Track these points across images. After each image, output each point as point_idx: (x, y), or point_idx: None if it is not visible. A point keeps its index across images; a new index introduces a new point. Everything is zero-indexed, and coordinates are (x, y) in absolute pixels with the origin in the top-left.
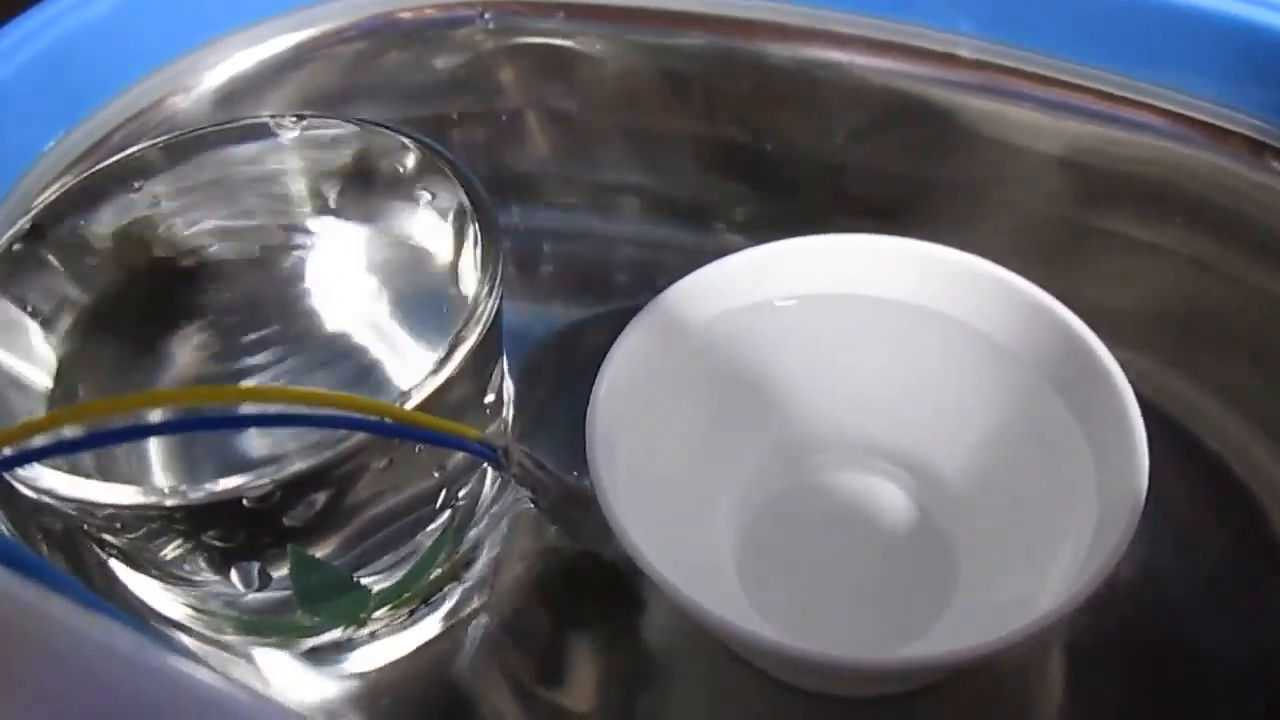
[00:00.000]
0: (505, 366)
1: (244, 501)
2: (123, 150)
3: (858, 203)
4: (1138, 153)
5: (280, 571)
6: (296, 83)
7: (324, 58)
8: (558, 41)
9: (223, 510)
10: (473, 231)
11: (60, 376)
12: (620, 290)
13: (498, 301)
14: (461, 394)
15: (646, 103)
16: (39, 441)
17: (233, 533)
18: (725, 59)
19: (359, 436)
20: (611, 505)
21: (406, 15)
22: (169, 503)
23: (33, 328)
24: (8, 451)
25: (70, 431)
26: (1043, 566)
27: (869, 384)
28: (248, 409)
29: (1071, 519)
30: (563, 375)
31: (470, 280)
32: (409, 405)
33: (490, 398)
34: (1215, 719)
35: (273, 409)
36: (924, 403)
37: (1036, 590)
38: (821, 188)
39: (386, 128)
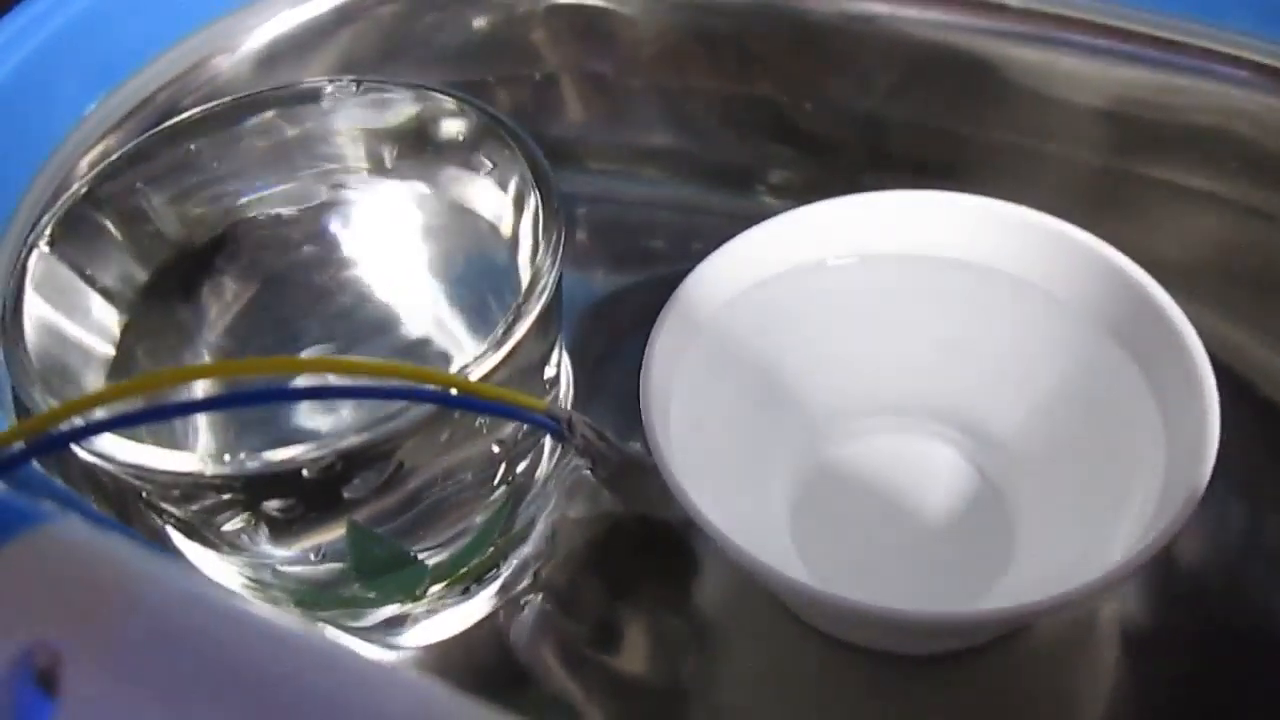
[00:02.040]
0: (562, 340)
1: (303, 473)
2: (166, 111)
3: (902, 160)
4: (1191, 100)
5: (338, 544)
6: (337, 45)
7: (364, 20)
8: (594, 1)
9: (281, 481)
10: (534, 202)
11: (120, 342)
12: (662, 256)
13: (559, 274)
14: (523, 367)
15: (683, 63)
16: (105, 412)
17: (291, 504)
18: (762, 15)
19: (423, 409)
20: (669, 466)
21: None
22: (227, 471)
23: (90, 293)
24: (78, 421)
25: (133, 403)
26: (1107, 528)
27: (926, 344)
28: (313, 380)
29: (1137, 478)
30: (608, 341)
31: (531, 252)
32: (472, 377)
33: (551, 372)
34: (1270, 687)
35: (339, 381)
36: (983, 362)
37: (1100, 553)
38: (864, 146)
39: (445, 93)
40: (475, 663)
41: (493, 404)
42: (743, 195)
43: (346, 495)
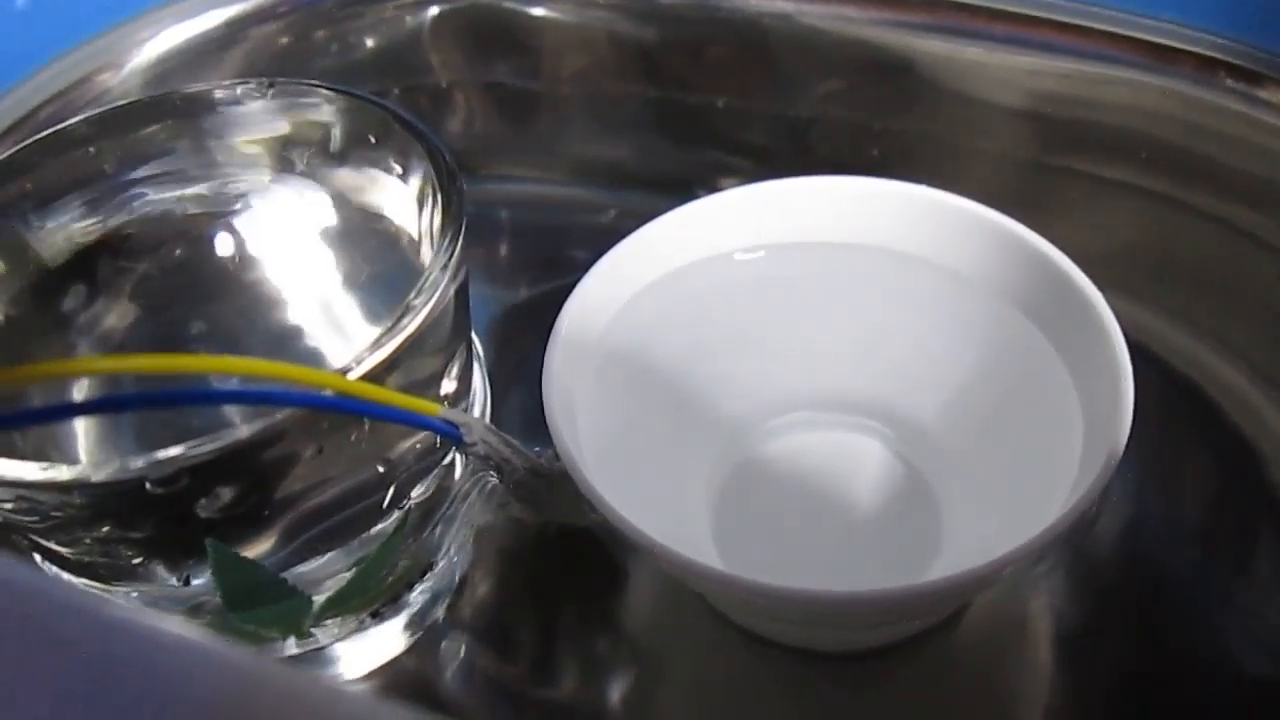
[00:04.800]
0: (480, 355)
1: (147, 486)
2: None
3: (832, 159)
4: (1096, 89)
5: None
6: (231, 61)
7: (255, 35)
8: (499, 4)
9: (128, 496)
10: (435, 199)
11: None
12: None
13: (457, 275)
14: (414, 375)
15: (589, 65)
16: None
17: (141, 521)
18: (678, 18)
19: (278, 417)
20: (577, 465)
21: None
22: (64, 478)
23: None
24: None
25: None
26: (1031, 505)
27: (839, 334)
28: (160, 388)
29: (1056, 454)
30: (532, 351)
31: (428, 251)
32: (352, 377)
33: (451, 386)
34: (1204, 671)
35: (184, 389)
36: (899, 348)
37: (1025, 530)
38: (794, 146)
39: (352, 94)
40: (398, 700)
41: (376, 406)
42: (677, 198)
43: (203, 514)
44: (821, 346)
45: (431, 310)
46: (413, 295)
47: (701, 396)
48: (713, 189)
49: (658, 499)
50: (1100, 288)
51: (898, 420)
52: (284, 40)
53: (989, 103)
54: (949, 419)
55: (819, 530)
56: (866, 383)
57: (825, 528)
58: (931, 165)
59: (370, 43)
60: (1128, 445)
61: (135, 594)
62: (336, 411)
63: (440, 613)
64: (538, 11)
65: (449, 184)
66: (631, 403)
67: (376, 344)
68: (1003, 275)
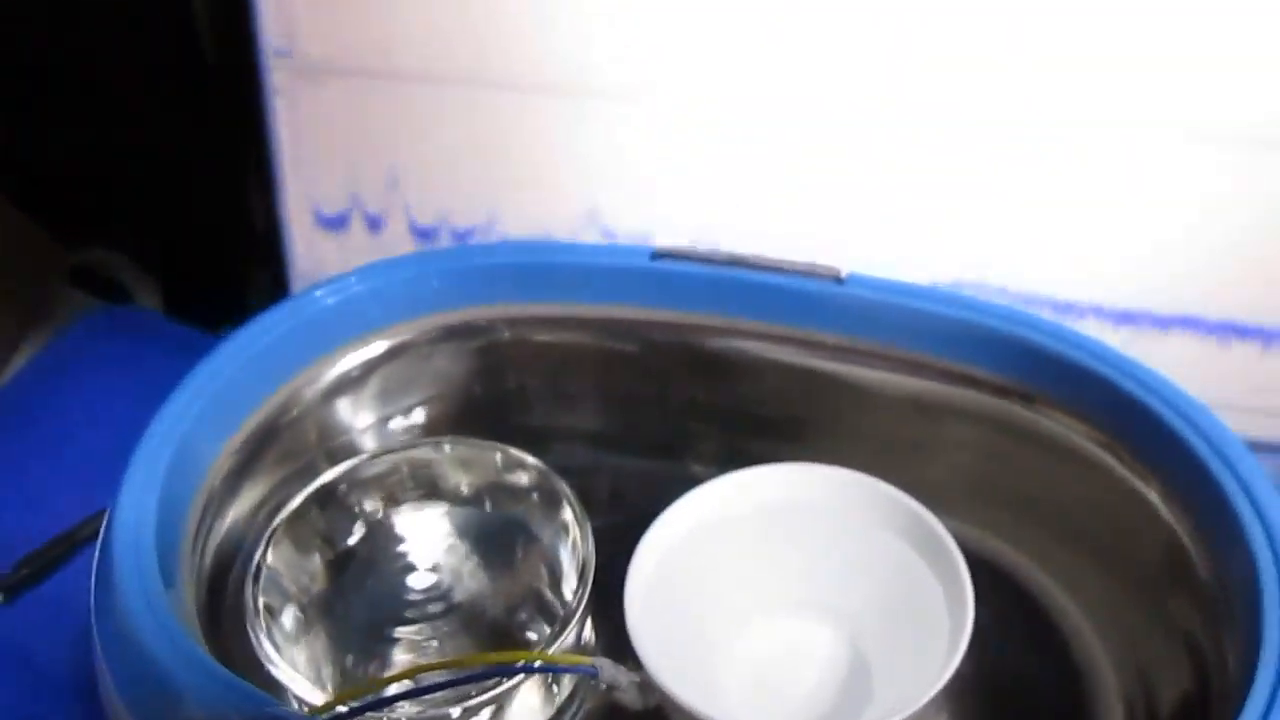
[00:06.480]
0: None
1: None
2: (266, 433)
3: (773, 432)
4: (945, 395)
5: None
6: (381, 373)
7: (401, 355)
8: (551, 339)
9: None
10: (573, 528)
11: (302, 616)
12: (605, 510)
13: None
14: (570, 641)
15: (619, 375)
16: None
17: None
18: (669, 345)
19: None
20: (661, 680)
21: (455, 324)
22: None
23: (284, 588)
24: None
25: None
26: (922, 666)
27: (806, 561)
28: (463, 672)
29: (934, 635)
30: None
31: (572, 574)
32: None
33: (588, 633)
34: None
35: (469, 670)
36: (837, 567)
37: (922, 682)
38: (747, 424)
39: (512, 450)
40: None
41: (560, 666)
42: (661, 458)
43: None
44: (793, 570)
45: (580, 613)
46: (578, 596)
47: (719, 606)
48: (689, 451)
49: (702, 677)
50: (956, 517)
51: (841, 613)
52: (419, 354)
53: (880, 400)
54: (873, 611)
55: (801, 683)
56: (821, 589)
57: (805, 681)
58: (842, 437)
59: (470, 356)
60: (975, 629)
61: None
62: (540, 673)
63: None
64: (546, 337)
65: (583, 528)
66: (679, 616)
67: (561, 630)
68: (895, 522)
